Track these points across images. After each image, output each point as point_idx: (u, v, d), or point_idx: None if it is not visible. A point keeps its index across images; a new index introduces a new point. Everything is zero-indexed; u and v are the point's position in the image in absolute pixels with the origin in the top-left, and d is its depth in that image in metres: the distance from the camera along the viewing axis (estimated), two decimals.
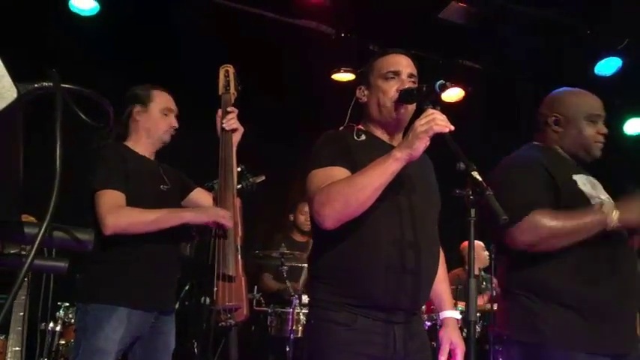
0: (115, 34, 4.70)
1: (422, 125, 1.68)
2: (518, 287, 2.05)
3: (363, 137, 1.95)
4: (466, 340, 1.94)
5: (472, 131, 6.15)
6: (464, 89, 5.85)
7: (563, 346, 1.93)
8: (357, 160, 1.84)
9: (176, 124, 2.67)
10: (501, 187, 1.95)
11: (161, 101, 2.64)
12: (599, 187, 2.17)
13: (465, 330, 3.31)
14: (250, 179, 2.82)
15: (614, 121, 6.36)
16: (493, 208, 1.45)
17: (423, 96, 1.80)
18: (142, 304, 2.39)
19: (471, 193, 1.51)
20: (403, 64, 1.97)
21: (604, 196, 2.11)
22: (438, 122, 1.67)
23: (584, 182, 2.09)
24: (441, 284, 2.11)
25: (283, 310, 4.07)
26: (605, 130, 2.20)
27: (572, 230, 1.94)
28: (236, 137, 2.60)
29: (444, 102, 5.91)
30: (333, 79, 5.58)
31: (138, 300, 2.37)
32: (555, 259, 1.98)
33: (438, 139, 1.68)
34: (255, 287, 4.45)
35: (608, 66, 5.29)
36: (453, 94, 5.91)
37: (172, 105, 2.69)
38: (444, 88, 1.74)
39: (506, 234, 1.99)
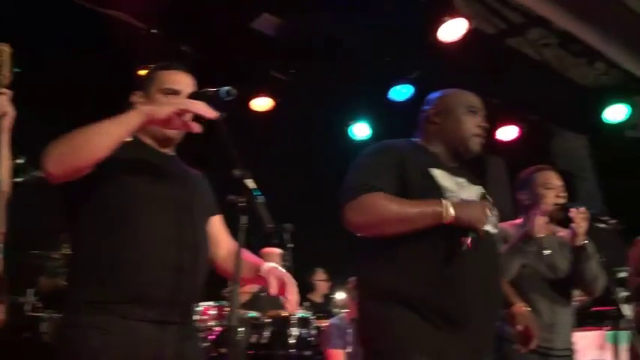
0: None
1: (181, 103, 1.74)
2: (366, 292, 2.01)
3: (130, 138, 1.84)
4: (229, 345, 1.94)
5: (282, 140, 6.42)
6: (274, 99, 6.01)
7: (409, 351, 1.87)
8: None
9: None
10: (351, 169, 2.05)
11: None
12: (467, 187, 2.12)
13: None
14: (34, 173, 2.59)
15: None
16: (260, 215, 1.50)
17: (208, 100, 1.79)
18: None
19: (244, 200, 1.54)
20: (184, 83, 1.96)
21: (466, 195, 2.06)
22: (198, 106, 1.70)
23: (445, 177, 2.05)
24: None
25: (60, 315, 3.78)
26: (484, 124, 2.21)
27: (404, 217, 1.91)
28: (5, 122, 2.32)
29: (253, 110, 6.03)
30: (139, 75, 5.37)
31: None
32: (402, 262, 1.93)
33: (218, 146, 1.69)
34: (29, 291, 4.09)
35: (400, 92, 5.78)
36: (263, 104, 6.04)
37: None
38: (229, 95, 1.75)
39: (342, 212, 1.94)
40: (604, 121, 6.40)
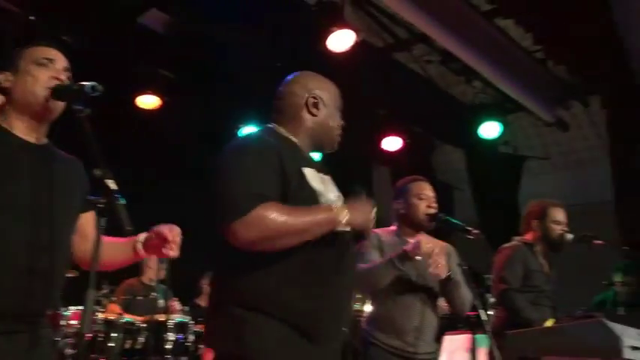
0: None
1: None
2: (230, 298, 1.84)
3: None
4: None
5: (167, 140, 6.26)
6: (161, 98, 5.85)
7: None
8: None
9: None
10: (226, 173, 1.84)
11: None
12: (329, 184, 2.05)
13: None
14: None
15: None
16: (121, 218, 1.45)
17: (73, 95, 1.71)
18: None
19: (104, 201, 1.49)
20: (57, 55, 1.87)
21: (332, 194, 1.99)
22: None
23: (314, 177, 1.95)
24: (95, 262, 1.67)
25: None
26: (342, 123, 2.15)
27: (302, 229, 1.79)
28: None
29: (140, 108, 5.84)
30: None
31: None
32: (276, 267, 1.81)
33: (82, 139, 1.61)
34: None
35: None
36: (149, 102, 5.87)
37: None
38: (94, 90, 1.68)
39: (228, 229, 1.75)
40: (479, 136, 6.80)
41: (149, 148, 5.95)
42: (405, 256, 2.71)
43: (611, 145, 6.61)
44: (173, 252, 1.83)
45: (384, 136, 6.97)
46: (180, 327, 4.48)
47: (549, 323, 3.06)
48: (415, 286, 2.89)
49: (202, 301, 5.99)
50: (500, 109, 6.93)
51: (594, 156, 7.75)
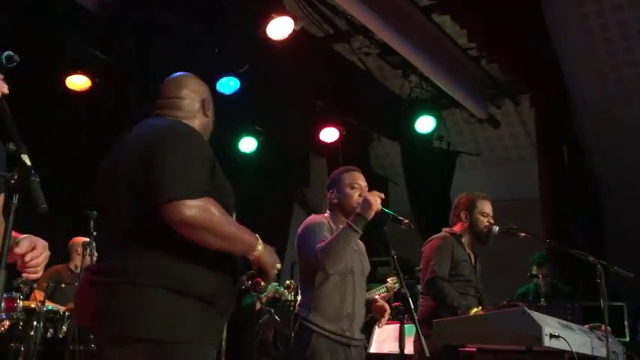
0: None
1: None
2: (151, 278, 1.83)
3: None
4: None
5: (98, 122, 6.03)
6: (91, 79, 5.63)
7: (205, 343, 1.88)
8: None
9: None
10: (178, 154, 1.87)
11: None
12: None
13: None
14: None
15: (229, 138, 7.03)
16: (35, 196, 1.37)
17: None
18: None
19: (16, 177, 1.40)
20: None
21: None
22: None
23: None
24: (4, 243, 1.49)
25: None
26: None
27: (229, 236, 1.89)
28: None
29: (70, 89, 5.61)
30: None
31: None
32: (192, 253, 1.87)
33: None
34: None
35: (227, 85, 5.74)
36: (79, 83, 5.64)
37: None
38: (11, 60, 1.58)
39: (171, 204, 1.77)
40: (415, 131, 6.91)
41: (78, 130, 5.75)
42: (361, 217, 2.74)
43: (539, 144, 6.88)
44: (31, 275, 1.64)
45: (322, 127, 6.98)
46: None
47: (474, 311, 3.13)
48: (350, 273, 2.92)
49: None
50: (435, 104, 7.07)
51: (523, 154, 8.03)
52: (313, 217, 3.04)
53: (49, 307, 4.27)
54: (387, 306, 3.03)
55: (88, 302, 1.91)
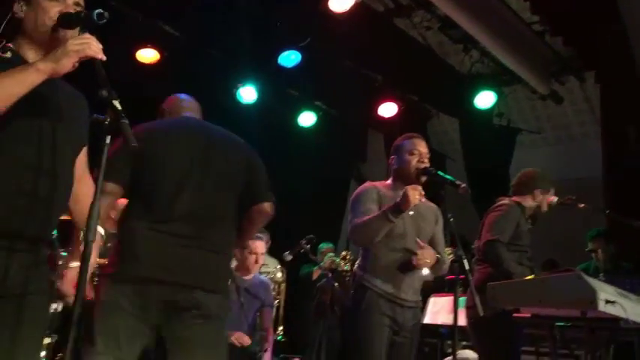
0: None
1: (75, 45, 1.65)
2: None
3: (9, 54, 1.81)
4: None
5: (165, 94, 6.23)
6: (160, 52, 5.85)
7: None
8: None
9: None
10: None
11: None
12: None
13: None
14: None
15: (289, 113, 7.16)
16: (126, 135, 1.52)
17: (81, 22, 1.76)
18: None
19: (108, 119, 1.55)
20: None
21: None
22: (92, 47, 1.66)
23: None
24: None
25: None
26: None
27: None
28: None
29: (139, 62, 5.84)
30: None
31: None
32: None
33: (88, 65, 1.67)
34: None
35: (289, 59, 5.85)
36: (149, 56, 5.87)
37: None
38: (101, 17, 1.73)
39: None
40: (475, 107, 6.85)
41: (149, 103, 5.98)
42: (398, 209, 2.84)
43: (603, 122, 6.69)
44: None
45: (381, 102, 7.01)
46: None
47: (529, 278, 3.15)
48: (402, 237, 3.01)
49: None
50: (496, 79, 6.97)
51: (586, 131, 7.83)
52: (363, 186, 3.17)
53: None
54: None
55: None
